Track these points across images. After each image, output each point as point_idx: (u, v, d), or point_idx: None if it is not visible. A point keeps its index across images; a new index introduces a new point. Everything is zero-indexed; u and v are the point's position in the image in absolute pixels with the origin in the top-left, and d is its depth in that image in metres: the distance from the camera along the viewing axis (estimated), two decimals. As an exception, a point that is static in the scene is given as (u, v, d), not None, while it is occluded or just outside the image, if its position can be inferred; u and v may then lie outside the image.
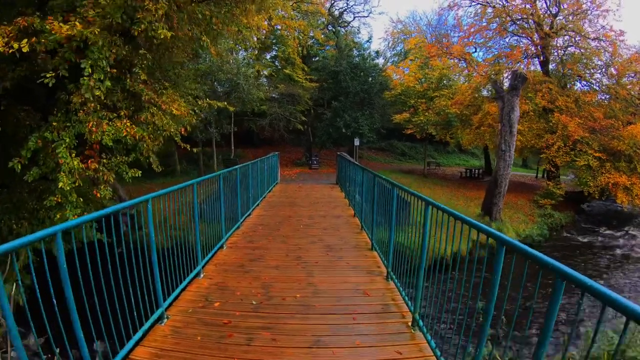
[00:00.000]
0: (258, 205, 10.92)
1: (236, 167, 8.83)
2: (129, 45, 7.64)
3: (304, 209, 11.02)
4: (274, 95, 30.65)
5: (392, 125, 34.36)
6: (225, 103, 12.76)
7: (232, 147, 25.93)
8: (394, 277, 5.44)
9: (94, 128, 6.99)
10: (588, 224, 24.55)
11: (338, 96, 27.80)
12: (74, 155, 7.11)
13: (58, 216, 7.15)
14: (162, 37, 7.10)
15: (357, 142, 27.08)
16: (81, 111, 7.02)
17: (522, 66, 27.34)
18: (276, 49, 31.91)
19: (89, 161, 7.42)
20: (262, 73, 31.33)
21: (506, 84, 22.84)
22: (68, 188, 6.87)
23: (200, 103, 11.44)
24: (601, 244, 20.34)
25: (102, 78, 6.89)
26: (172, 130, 9.17)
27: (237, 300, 4.88)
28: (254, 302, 4.79)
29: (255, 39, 30.93)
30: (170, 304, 4.55)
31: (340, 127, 26.47)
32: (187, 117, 9.78)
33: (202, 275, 5.64)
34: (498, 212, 18.92)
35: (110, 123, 7.40)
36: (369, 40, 36.58)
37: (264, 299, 4.92)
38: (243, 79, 21.90)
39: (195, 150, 10.90)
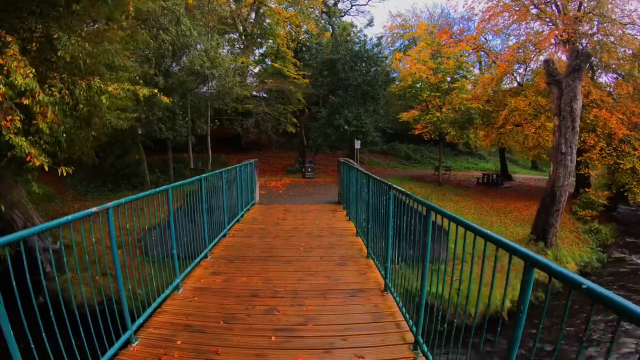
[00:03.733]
0: (204, 257, 6.22)
1: (168, 187, 4.63)
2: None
3: (288, 272, 5.61)
4: (259, 94, 26.59)
5: (397, 125, 30.22)
6: (157, 90, 8.49)
7: (210, 153, 21.35)
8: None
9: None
10: (630, 237, 20.64)
11: (336, 90, 23.28)
12: None
13: None
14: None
15: (358, 144, 22.51)
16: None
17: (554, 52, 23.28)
18: (265, 45, 28.31)
19: None
20: (249, 69, 27.30)
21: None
22: None
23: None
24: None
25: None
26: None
27: None
28: None
29: (242, 28, 27.79)
30: None
31: (341, 126, 21.86)
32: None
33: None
34: (554, 235, 14.45)
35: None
36: (370, 24, 31.84)
37: None
38: (209, 62, 17.37)
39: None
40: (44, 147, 7.42)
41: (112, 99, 8.81)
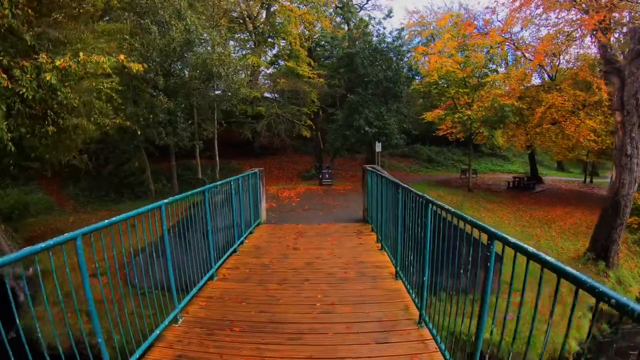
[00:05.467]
0: (173, 322, 4.13)
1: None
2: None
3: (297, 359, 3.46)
4: (272, 95, 24.78)
5: (417, 126, 28.08)
6: (123, 57, 6.61)
7: (217, 159, 19.41)
8: None
9: None
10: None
11: (355, 88, 21.07)
12: None
13: None
14: None
15: (379, 147, 20.30)
16: None
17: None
18: (277, 46, 26.59)
19: None
20: (260, 69, 25.56)
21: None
22: None
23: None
24: None
25: None
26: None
27: None
28: None
29: (252, 27, 26.08)
30: None
31: (361, 127, 19.64)
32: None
33: None
34: (616, 253, 12.15)
35: None
36: (389, 15, 29.34)
37: None
38: (216, 59, 15.53)
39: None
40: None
41: (71, 79, 6.98)
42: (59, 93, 6.88)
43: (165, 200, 4.07)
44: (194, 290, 4.69)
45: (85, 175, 20.25)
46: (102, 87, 10.46)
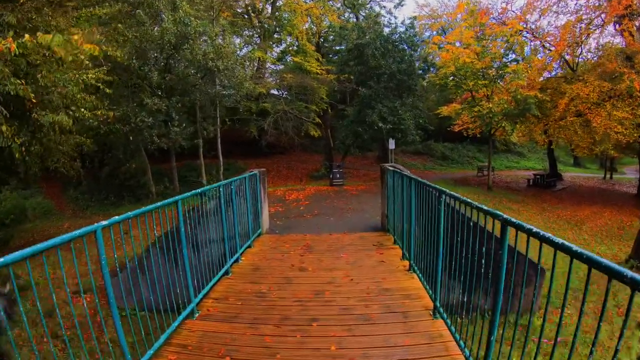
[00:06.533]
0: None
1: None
2: None
3: None
4: (279, 92, 23.68)
5: (434, 121, 26.65)
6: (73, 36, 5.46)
7: (220, 159, 18.16)
8: None
9: None
10: None
11: (366, 81, 19.69)
12: None
13: None
14: None
15: (392, 144, 18.93)
16: None
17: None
18: (284, 42, 25.53)
19: None
20: (266, 64, 24.48)
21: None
22: None
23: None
24: None
25: None
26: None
27: None
28: None
29: (257, 22, 24.94)
30: None
31: (374, 122, 18.24)
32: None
33: None
34: (667, 261, 10.67)
35: None
36: (401, 3, 27.60)
37: None
38: (213, 52, 14.38)
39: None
40: None
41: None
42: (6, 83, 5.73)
43: (116, 219, 2.84)
44: (163, 337, 3.44)
45: (86, 177, 19.50)
46: (85, 77, 9.49)
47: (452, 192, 3.52)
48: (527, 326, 2.39)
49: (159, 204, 3.53)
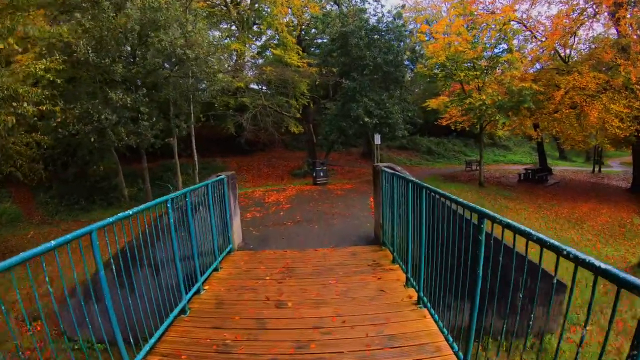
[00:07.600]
0: None
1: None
2: None
3: None
4: (258, 86, 22.48)
5: (421, 114, 25.73)
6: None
7: (195, 158, 16.76)
8: None
9: None
10: None
11: (350, 72, 18.46)
12: None
13: None
14: None
15: (378, 139, 17.81)
16: None
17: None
18: (264, 35, 24.66)
19: None
20: (245, 57, 23.11)
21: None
22: None
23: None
24: None
25: None
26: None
27: None
28: None
29: (236, 13, 23.54)
30: None
31: (360, 116, 17.03)
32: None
33: None
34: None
35: None
36: None
37: None
38: (182, 39, 13.07)
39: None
40: None
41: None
42: None
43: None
44: None
45: (55, 180, 18.10)
46: (33, 69, 8.32)
47: (494, 215, 2.33)
48: None
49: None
